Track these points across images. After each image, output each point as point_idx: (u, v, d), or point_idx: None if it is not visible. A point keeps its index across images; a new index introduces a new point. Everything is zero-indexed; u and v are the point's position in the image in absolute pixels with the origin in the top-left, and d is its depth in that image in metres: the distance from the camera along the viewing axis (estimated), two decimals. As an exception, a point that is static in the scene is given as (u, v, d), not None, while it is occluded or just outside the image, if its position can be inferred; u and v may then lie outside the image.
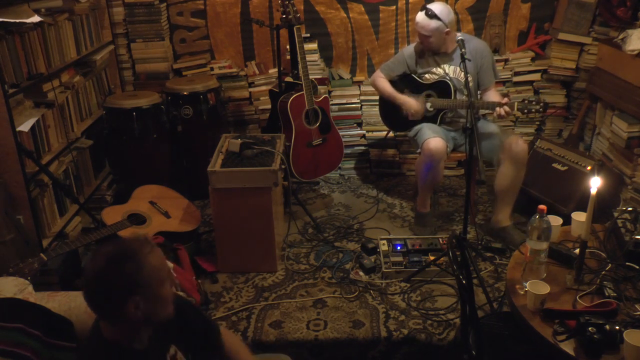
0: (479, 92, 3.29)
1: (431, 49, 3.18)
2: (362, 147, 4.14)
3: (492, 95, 3.19)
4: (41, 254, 2.36)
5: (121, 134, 3.40)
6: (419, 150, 3.14)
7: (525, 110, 3.00)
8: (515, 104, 2.99)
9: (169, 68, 4.02)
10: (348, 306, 2.69)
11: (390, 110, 3.38)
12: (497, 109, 2.97)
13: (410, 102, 3.21)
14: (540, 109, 2.99)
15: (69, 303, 1.88)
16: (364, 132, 4.11)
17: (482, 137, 3.05)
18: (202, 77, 3.90)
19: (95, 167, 3.52)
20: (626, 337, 1.55)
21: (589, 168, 3.15)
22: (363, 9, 4.01)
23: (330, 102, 3.77)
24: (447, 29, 3.07)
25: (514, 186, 3.07)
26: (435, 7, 3.06)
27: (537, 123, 4.13)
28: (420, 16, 3.08)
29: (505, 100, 3.02)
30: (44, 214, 2.84)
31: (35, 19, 2.72)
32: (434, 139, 3.03)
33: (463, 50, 2.73)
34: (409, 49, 3.33)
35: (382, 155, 4.09)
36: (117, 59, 3.95)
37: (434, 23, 3.04)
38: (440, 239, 3.05)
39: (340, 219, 3.52)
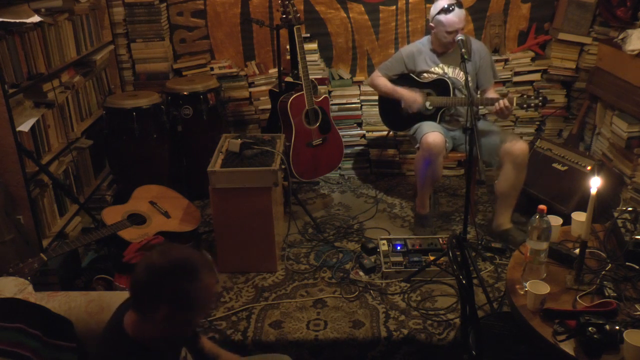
0: (477, 92, 3.29)
1: (451, 44, 3.14)
2: (362, 147, 4.14)
3: (491, 96, 3.19)
4: (41, 254, 2.37)
5: (121, 134, 3.40)
6: (417, 146, 3.14)
7: (525, 105, 3.00)
8: (515, 98, 2.99)
9: (169, 68, 4.02)
10: (348, 306, 2.69)
11: (389, 110, 3.39)
12: (497, 104, 2.97)
13: (410, 93, 3.20)
14: (540, 103, 2.99)
15: (69, 303, 1.88)
16: (364, 132, 4.11)
17: (481, 135, 3.05)
18: (202, 77, 3.90)
19: (95, 167, 3.52)
20: (626, 337, 1.55)
21: (589, 168, 3.15)
22: (363, 9, 4.01)
23: (330, 102, 3.77)
24: None
25: (514, 189, 3.06)
26: None
27: (537, 123, 4.13)
28: (456, 11, 3.02)
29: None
30: (44, 214, 2.84)
31: (35, 19, 2.72)
32: (432, 133, 3.03)
33: (463, 50, 2.73)
34: (407, 49, 3.34)
35: (382, 155, 4.09)
36: (117, 59, 3.95)
37: (464, 11, 3.06)
38: (440, 239, 3.05)
39: (340, 219, 3.52)
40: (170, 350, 1.53)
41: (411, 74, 3.29)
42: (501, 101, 2.96)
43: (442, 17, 3.03)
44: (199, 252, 1.47)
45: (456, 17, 3.02)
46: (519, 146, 2.99)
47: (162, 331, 1.42)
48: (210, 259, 1.48)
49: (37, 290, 1.94)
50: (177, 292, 1.37)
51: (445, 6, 3.02)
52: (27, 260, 2.30)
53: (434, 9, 3.10)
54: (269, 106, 3.78)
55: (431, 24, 3.14)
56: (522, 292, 1.86)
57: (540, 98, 2.98)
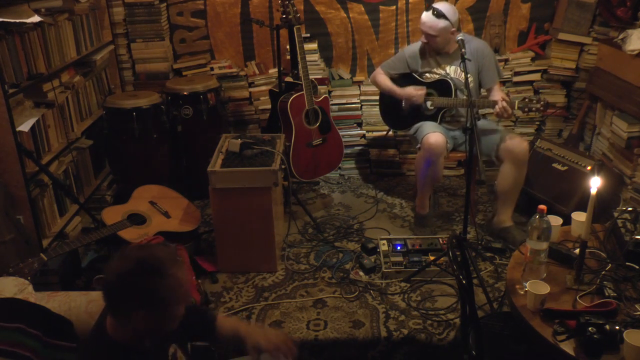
0: (482, 91, 3.29)
1: (436, 48, 3.18)
2: (362, 147, 4.14)
3: (497, 94, 3.18)
4: (41, 254, 2.36)
5: (121, 134, 3.40)
6: (418, 146, 3.14)
7: (526, 109, 3.00)
8: (516, 102, 3.00)
9: (169, 68, 4.02)
10: (348, 306, 2.69)
11: (390, 109, 3.39)
12: (497, 106, 2.97)
13: (410, 90, 3.21)
14: (541, 107, 2.99)
15: (69, 303, 1.88)
16: (364, 132, 4.11)
17: (482, 134, 3.05)
18: (202, 77, 3.90)
19: (95, 167, 3.52)
20: (626, 337, 1.55)
21: (589, 168, 3.15)
22: (363, 9, 4.01)
23: (330, 102, 3.77)
24: (453, 29, 3.08)
25: (515, 186, 3.07)
26: (441, 6, 3.06)
27: (537, 123, 4.13)
28: (428, 16, 3.07)
29: (505, 97, 3.03)
30: (44, 214, 2.84)
31: (35, 19, 2.72)
32: (434, 133, 3.03)
33: (463, 50, 2.73)
34: (410, 48, 3.34)
35: (382, 155, 4.09)
36: (117, 59, 3.95)
37: (441, 23, 3.04)
38: (440, 239, 3.05)
39: (340, 219, 3.52)
40: (156, 349, 1.52)
41: (413, 74, 3.30)
42: (500, 103, 2.96)
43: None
44: (161, 246, 1.46)
45: (424, 17, 3.09)
46: (518, 144, 3.00)
47: (144, 332, 1.41)
48: (174, 248, 1.47)
49: (37, 290, 1.94)
50: (147, 294, 1.36)
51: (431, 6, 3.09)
52: (27, 260, 2.30)
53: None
54: (269, 106, 3.78)
55: None
56: (522, 292, 1.86)
57: (542, 102, 2.98)
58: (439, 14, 3.03)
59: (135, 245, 1.50)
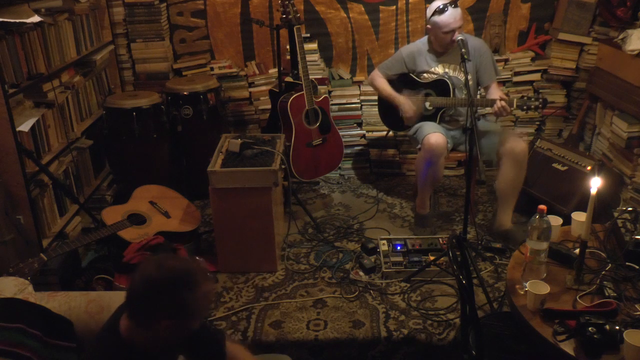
0: (480, 90, 3.28)
1: (444, 45, 3.14)
2: (362, 147, 4.14)
3: (494, 92, 3.18)
4: (41, 254, 2.37)
5: (121, 134, 3.40)
6: (419, 147, 3.14)
7: (525, 107, 3.00)
8: (515, 100, 3.00)
9: (169, 68, 4.02)
10: (348, 306, 2.69)
11: (389, 110, 3.38)
12: (495, 105, 2.97)
13: (407, 106, 3.20)
14: (540, 105, 2.99)
15: (69, 303, 1.88)
16: (364, 132, 4.11)
17: (481, 134, 3.05)
18: (202, 77, 3.90)
19: (95, 167, 3.52)
20: (626, 337, 1.55)
21: (589, 168, 3.15)
22: (363, 9, 4.01)
23: (330, 102, 3.77)
24: None
25: (514, 187, 3.06)
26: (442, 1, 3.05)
27: (537, 123, 4.13)
28: (451, 12, 3.01)
29: (503, 96, 3.02)
30: (44, 214, 2.84)
31: (35, 19, 2.72)
32: (434, 134, 3.03)
33: (463, 50, 2.72)
34: (407, 48, 3.33)
35: (382, 155, 4.09)
36: (117, 59, 3.95)
37: (459, 10, 3.04)
38: (440, 239, 3.05)
39: (340, 219, 3.51)
40: (165, 356, 1.53)
41: (411, 74, 3.29)
42: (499, 102, 2.96)
43: (437, 18, 3.04)
44: (193, 259, 1.47)
45: (450, 17, 3.02)
46: (518, 145, 2.99)
47: (159, 340, 1.42)
48: (204, 264, 1.48)
49: (37, 290, 1.94)
50: (177, 305, 1.37)
51: (440, 7, 3.03)
52: (27, 260, 2.30)
53: (429, 10, 3.11)
54: (269, 106, 3.78)
55: (428, 25, 3.14)
56: (522, 292, 1.86)
57: (541, 100, 2.98)
58: (455, 4, 3.03)
59: (171, 255, 1.51)
